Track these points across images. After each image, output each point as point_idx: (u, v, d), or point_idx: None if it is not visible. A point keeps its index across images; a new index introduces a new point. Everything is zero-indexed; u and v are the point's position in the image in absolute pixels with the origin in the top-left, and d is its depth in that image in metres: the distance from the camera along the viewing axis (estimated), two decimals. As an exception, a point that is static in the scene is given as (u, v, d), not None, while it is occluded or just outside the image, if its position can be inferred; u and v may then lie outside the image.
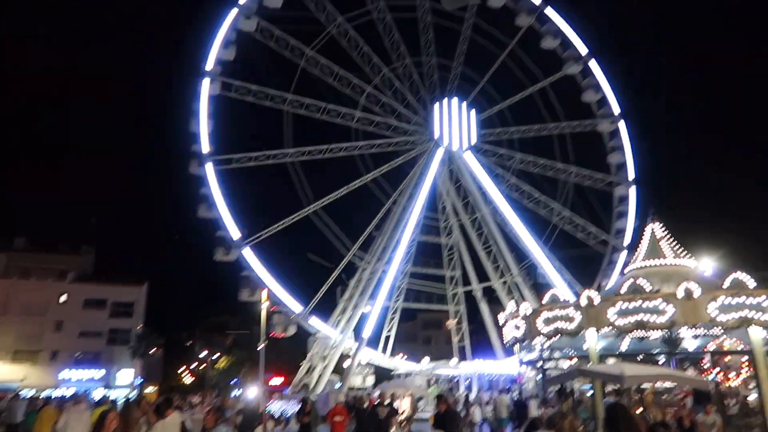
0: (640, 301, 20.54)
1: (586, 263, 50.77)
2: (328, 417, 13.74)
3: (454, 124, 47.55)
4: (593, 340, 21.51)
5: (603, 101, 50.30)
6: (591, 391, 22.78)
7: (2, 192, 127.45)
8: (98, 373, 56.65)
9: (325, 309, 46.75)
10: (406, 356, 51.66)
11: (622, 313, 20.67)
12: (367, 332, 43.19)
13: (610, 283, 40.54)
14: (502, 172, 49.32)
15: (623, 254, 47.18)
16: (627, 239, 48.15)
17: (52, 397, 35.92)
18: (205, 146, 41.39)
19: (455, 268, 52.20)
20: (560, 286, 40.81)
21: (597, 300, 21.30)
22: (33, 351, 56.21)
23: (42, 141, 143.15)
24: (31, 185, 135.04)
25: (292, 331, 43.83)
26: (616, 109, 50.19)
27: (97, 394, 41.65)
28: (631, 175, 49.62)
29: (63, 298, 58.48)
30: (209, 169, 41.17)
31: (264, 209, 61.60)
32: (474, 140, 48.05)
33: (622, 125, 50.18)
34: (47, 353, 56.57)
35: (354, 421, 15.23)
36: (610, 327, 21.09)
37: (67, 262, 61.19)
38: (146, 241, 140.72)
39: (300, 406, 14.02)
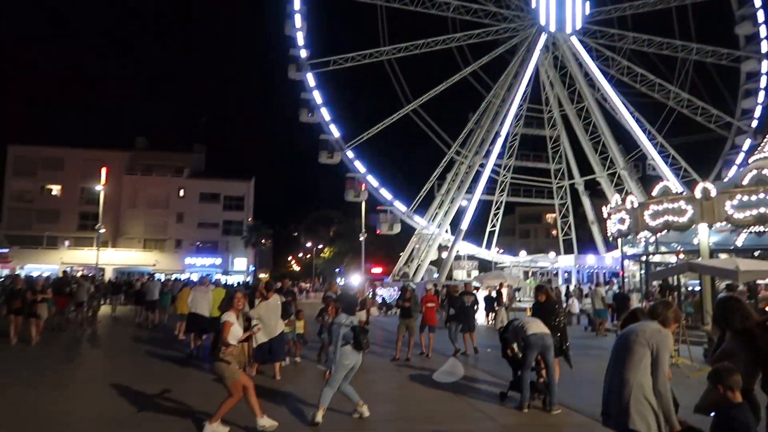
0: (763, 194, 18.96)
1: (705, 150, 47.06)
2: (422, 303, 14.46)
3: (560, 5, 43.71)
4: (705, 235, 20.40)
5: (731, -40, 43.95)
6: (698, 288, 22.00)
7: (123, 97, 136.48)
8: (216, 260, 62.28)
9: (425, 204, 47.86)
10: (502, 250, 52.03)
11: (742, 207, 19.24)
12: (464, 225, 43.67)
13: (731, 172, 37.60)
14: (611, 55, 45.40)
15: (748, 140, 43.13)
16: (755, 120, 43.68)
17: (181, 279, 40.39)
18: (303, 50, 41.57)
19: (560, 162, 50.37)
20: (671, 179, 38.33)
21: (713, 192, 19.86)
22: (160, 240, 62.61)
23: (151, 49, 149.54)
24: (147, 89, 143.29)
25: (397, 229, 45.66)
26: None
27: (217, 278, 46.20)
28: (764, 47, 43.92)
29: (182, 193, 63.56)
30: (308, 74, 41.59)
31: (364, 110, 62.06)
32: (581, 21, 44.17)
33: (755, -13, 43.83)
34: (172, 241, 62.77)
35: (445, 308, 15.97)
36: (726, 221, 19.82)
37: (182, 159, 65.62)
38: (250, 140, 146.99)
39: (401, 292, 14.70)
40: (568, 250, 49.74)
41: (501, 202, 50.86)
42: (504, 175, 49.80)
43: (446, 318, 15.06)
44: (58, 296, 17.27)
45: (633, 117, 43.13)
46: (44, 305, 14.75)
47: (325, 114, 41.94)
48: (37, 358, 12.59)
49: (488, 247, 50.31)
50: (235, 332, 6.98)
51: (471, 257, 48.89)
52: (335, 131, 42.20)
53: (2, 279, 34.56)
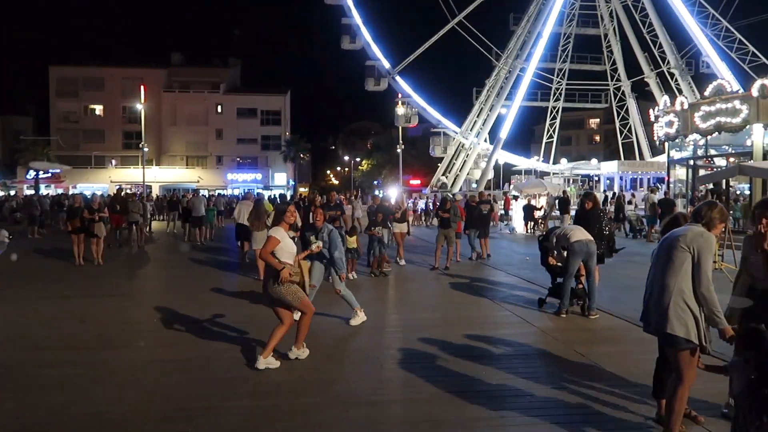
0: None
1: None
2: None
3: None
4: (760, 136, 19.46)
5: None
6: (747, 192, 21.29)
7: (156, 13, 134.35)
8: (257, 175, 63.37)
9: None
10: (541, 158, 50.95)
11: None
12: (503, 133, 42.72)
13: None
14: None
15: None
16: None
17: (224, 194, 41.46)
18: None
19: (615, 63, 47.62)
20: (726, 75, 35.78)
21: (772, 90, 18.67)
22: (201, 156, 63.77)
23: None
24: (180, 5, 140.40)
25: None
26: None
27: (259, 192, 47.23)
28: None
29: (219, 109, 63.77)
30: None
31: (406, 31, 59.64)
32: None
33: None
34: (213, 158, 63.90)
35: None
36: (784, 120, 18.76)
37: (218, 74, 65.23)
38: (284, 52, 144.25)
39: (440, 203, 14.80)
40: (615, 156, 48.17)
41: (557, 110, 49.04)
42: (558, 82, 47.72)
43: (464, 225, 15.25)
44: (112, 214, 17.89)
45: (692, 6, 39.53)
46: (101, 224, 14.97)
47: (369, 39, 40.59)
48: (99, 273, 13.35)
49: (546, 158, 49.08)
50: (286, 248, 6.10)
51: (529, 171, 48.11)
52: (381, 57, 41.08)
53: (59, 196, 36.24)
